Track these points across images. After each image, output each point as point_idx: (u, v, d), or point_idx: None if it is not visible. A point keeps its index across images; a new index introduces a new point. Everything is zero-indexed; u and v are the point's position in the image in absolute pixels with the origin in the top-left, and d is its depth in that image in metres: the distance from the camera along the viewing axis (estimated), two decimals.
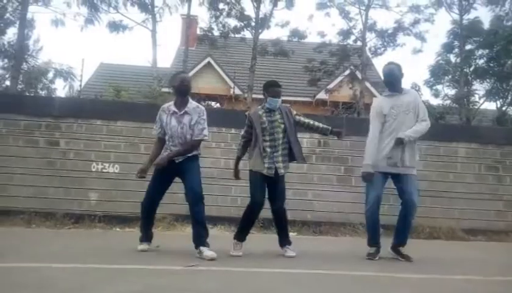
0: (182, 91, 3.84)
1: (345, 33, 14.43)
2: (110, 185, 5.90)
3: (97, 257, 3.49)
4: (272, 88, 3.90)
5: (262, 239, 4.85)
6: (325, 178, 6.18)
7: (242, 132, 4.03)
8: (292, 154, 3.87)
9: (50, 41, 39.71)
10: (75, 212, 5.70)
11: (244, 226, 3.95)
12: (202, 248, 3.59)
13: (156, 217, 5.62)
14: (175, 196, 5.87)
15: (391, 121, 3.80)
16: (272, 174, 3.78)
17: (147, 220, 4.08)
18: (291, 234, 5.48)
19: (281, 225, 3.95)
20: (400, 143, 3.72)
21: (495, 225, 6.25)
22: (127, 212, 5.75)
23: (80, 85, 14.72)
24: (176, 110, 3.80)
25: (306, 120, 4.00)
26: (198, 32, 15.59)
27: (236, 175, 4.16)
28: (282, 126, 3.82)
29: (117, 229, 5.49)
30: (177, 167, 3.84)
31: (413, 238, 5.56)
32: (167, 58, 40.78)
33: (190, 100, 3.88)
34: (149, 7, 13.23)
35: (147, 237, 4.00)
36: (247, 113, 4.06)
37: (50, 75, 16.42)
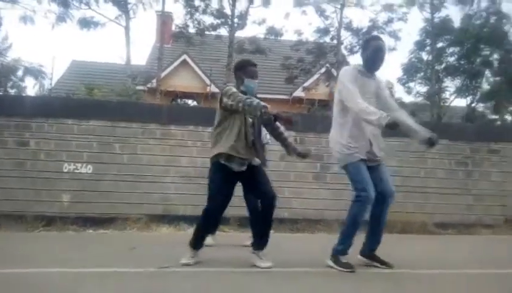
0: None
1: (322, 32, 14.57)
2: (82, 186, 5.75)
3: (69, 260, 3.40)
4: (250, 67, 3.32)
5: (239, 238, 4.84)
6: (302, 175, 6.23)
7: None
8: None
9: (20, 38, 38.36)
10: (46, 214, 5.53)
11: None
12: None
13: (132, 217, 5.58)
14: (150, 197, 5.82)
15: (351, 100, 3.14)
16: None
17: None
18: None
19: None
20: (394, 127, 3.03)
21: (466, 219, 6.46)
22: (100, 214, 5.63)
23: (51, 84, 14.29)
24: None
25: (280, 131, 3.54)
26: (173, 28, 15.40)
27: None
28: (250, 119, 3.26)
29: (91, 231, 5.37)
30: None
31: (386, 234, 5.70)
32: (142, 56, 40.09)
33: None
34: (122, 3, 12.95)
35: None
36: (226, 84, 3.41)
37: (20, 73, 15.87)
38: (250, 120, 3.26)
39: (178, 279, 2.90)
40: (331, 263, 3.27)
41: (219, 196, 3.22)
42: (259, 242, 3.34)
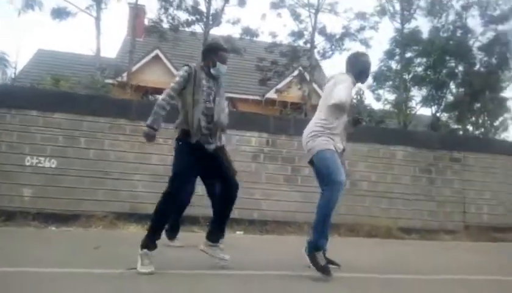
0: None
1: (296, 35, 14.70)
2: (45, 181, 5.52)
3: (29, 259, 3.24)
4: (222, 52, 3.30)
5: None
6: (273, 177, 6.26)
7: (174, 85, 3.23)
8: None
9: None
10: (6, 209, 5.26)
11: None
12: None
13: (97, 215, 5.41)
14: (117, 194, 5.66)
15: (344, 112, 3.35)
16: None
17: None
18: (238, 233, 5.52)
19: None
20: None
21: (429, 224, 6.69)
22: (64, 210, 5.43)
23: (15, 73, 13.65)
24: None
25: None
26: (146, 22, 15.08)
27: None
28: (213, 95, 3.25)
29: (53, 228, 5.15)
30: None
31: (353, 237, 5.84)
32: (112, 48, 39.00)
33: None
34: None
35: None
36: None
37: None
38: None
39: (146, 281, 2.82)
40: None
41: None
42: (221, 234, 3.34)
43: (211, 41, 3.54)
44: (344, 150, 3.47)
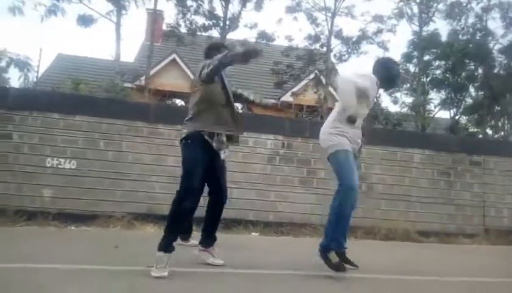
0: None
1: (312, 39, 14.69)
2: (65, 182, 5.65)
3: (51, 256, 3.33)
4: (224, 49, 3.37)
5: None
6: (288, 180, 6.25)
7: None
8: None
9: (7, 30, 37.56)
10: (27, 209, 5.41)
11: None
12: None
13: (115, 215, 5.50)
14: (134, 195, 5.75)
15: (365, 108, 3.39)
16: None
17: None
18: (253, 234, 5.54)
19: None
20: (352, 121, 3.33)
21: (447, 228, 6.58)
22: (83, 210, 5.54)
23: (37, 76, 14.02)
24: None
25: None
26: (164, 27, 15.31)
27: None
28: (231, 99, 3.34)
29: (73, 228, 5.27)
30: None
31: (369, 240, 5.78)
32: (131, 53, 39.70)
33: None
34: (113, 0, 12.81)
35: None
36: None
37: (3, 64, 15.53)
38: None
39: (167, 278, 2.86)
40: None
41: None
42: (211, 239, 3.31)
43: (212, 41, 3.56)
44: (361, 146, 3.48)
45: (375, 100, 3.58)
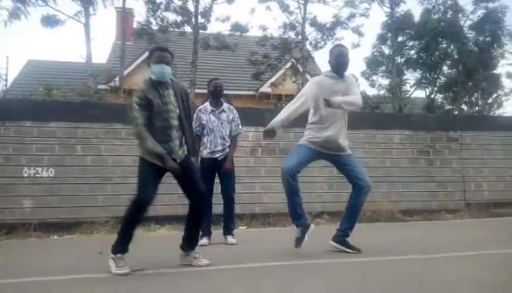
0: (217, 94, 4.39)
1: (286, 27, 14.62)
2: (44, 191, 5.51)
3: (33, 269, 3.24)
4: (156, 52, 3.08)
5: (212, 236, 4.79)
6: (272, 170, 6.25)
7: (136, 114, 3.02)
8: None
9: None
10: (7, 222, 5.26)
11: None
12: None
13: (98, 221, 5.41)
14: (117, 199, 5.65)
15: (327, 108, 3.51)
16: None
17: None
18: (241, 228, 5.53)
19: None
20: (328, 105, 3.47)
21: (430, 205, 6.72)
22: (65, 218, 5.43)
23: (6, 85, 13.58)
24: (214, 109, 4.37)
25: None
26: (134, 25, 14.99)
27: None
28: (177, 111, 3.10)
29: (56, 237, 5.16)
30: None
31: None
32: (103, 54, 38.85)
33: (222, 101, 4.46)
34: (81, 0, 12.44)
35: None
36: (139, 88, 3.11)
37: None
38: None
39: (154, 283, 2.82)
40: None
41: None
42: (192, 242, 3.24)
43: (155, 45, 3.37)
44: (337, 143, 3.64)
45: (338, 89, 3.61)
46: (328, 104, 3.47)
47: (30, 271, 3.12)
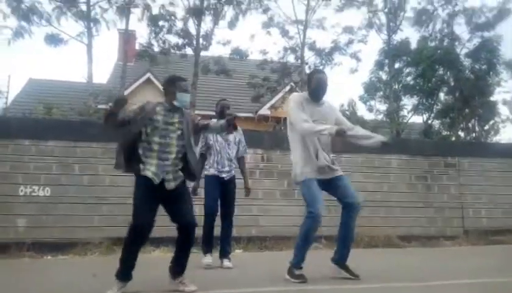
0: (224, 115, 4.08)
1: (286, 51, 14.88)
2: (39, 210, 5.46)
3: (24, 290, 3.18)
4: (180, 82, 3.21)
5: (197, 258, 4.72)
6: (269, 193, 6.24)
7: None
8: (188, 169, 3.19)
9: None
10: (0, 241, 5.19)
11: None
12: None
13: (93, 242, 5.34)
14: (113, 219, 5.59)
15: (299, 123, 3.41)
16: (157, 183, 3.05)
17: None
18: (237, 251, 5.46)
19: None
20: (342, 134, 3.30)
21: (428, 231, 6.67)
22: (59, 238, 5.35)
23: (6, 103, 13.64)
24: None
25: (210, 123, 3.41)
26: (136, 47, 15.21)
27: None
28: (179, 132, 3.13)
29: (49, 257, 5.08)
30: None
31: (352, 248, 5.77)
32: (104, 74, 39.27)
33: None
34: (84, 21, 12.67)
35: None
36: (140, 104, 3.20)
37: None
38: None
39: None
40: (286, 276, 3.42)
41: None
42: (179, 267, 3.17)
43: (168, 76, 3.43)
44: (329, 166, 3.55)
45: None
46: (341, 134, 3.27)
47: (18, 292, 3.06)
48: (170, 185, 3.07)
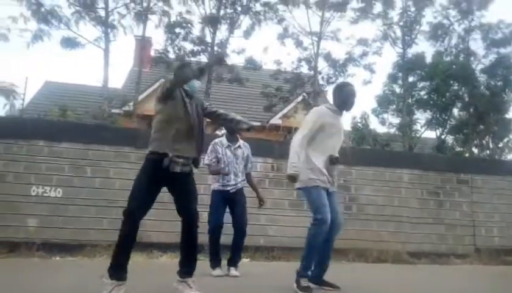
0: (233, 130, 4.30)
1: (300, 62, 14.92)
2: (50, 211, 5.53)
3: (31, 289, 3.20)
4: (187, 68, 3.16)
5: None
6: (278, 203, 6.21)
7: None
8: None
9: None
10: (11, 240, 5.26)
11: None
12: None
13: (101, 244, 5.36)
14: (121, 222, 5.62)
15: (327, 138, 3.52)
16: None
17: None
18: (244, 260, 5.43)
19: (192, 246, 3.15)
20: (336, 162, 3.51)
21: (438, 248, 6.55)
22: (68, 240, 5.40)
23: (23, 104, 13.90)
24: (230, 144, 4.37)
25: (220, 111, 3.42)
26: (152, 53, 15.42)
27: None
28: (191, 116, 3.14)
29: (58, 258, 5.12)
30: None
31: (361, 262, 5.71)
32: (119, 79, 39.84)
33: (238, 137, 4.48)
34: (102, 26, 12.91)
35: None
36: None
37: None
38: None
39: None
40: (295, 287, 3.36)
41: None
42: (188, 268, 3.10)
43: (180, 63, 3.45)
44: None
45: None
46: (337, 161, 3.50)
47: (25, 291, 3.08)
48: (176, 168, 3.02)
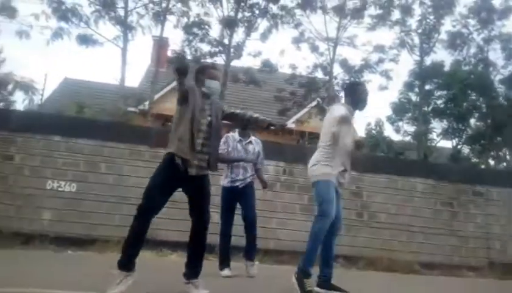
0: (245, 126, 4.29)
1: (316, 67, 14.88)
2: (64, 205, 5.62)
3: (41, 280, 3.26)
4: (210, 69, 3.29)
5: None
6: (289, 207, 6.19)
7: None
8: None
9: (15, 53, 38.30)
10: (25, 232, 5.36)
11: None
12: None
13: (113, 240, 5.42)
14: (132, 219, 5.68)
15: (347, 135, 3.47)
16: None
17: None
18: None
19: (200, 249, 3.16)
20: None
21: (451, 260, 6.44)
22: (81, 234, 5.48)
23: (41, 100, 14.18)
24: (241, 139, 4.40)
25: (238, 111, 3.42)
26: (169, 53, 15.57)
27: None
28: (209, 118, 3.12)
29: (70, 252, 5.19)
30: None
31: (371, 270, 5.65)
32: (135, 78, 40.32)
33: (250, 133, 4.50)
34: (121, 25, 13.10)
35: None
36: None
37: (10, 87, 15.73)
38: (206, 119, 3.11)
39: None
40: (295, 282, 3.34)
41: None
42: (195, 269, 3.11)
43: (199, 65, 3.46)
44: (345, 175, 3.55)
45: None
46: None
47: (34, 283, 3.13)
48: (192, 171, 3.04)
